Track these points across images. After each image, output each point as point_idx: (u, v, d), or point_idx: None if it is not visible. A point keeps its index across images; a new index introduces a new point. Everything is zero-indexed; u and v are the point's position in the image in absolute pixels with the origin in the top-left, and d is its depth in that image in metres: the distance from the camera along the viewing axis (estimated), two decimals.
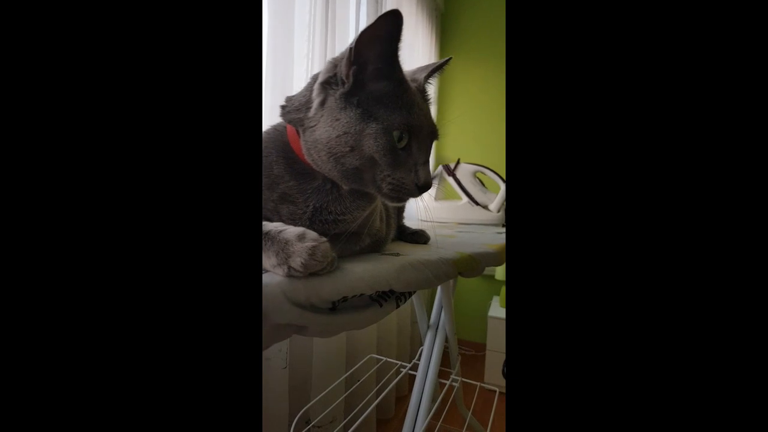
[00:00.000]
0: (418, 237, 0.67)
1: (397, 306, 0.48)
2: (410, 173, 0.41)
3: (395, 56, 0.40)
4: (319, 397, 0.91)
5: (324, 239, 0.36)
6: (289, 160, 0.45)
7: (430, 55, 1.81)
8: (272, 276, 0.35)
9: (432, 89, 0.49)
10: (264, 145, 0.47)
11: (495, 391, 1.30)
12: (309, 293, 0.35)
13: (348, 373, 1.01)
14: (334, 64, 0.41)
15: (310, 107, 0.42)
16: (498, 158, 1.82)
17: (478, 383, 1.19)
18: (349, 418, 0.93)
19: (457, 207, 1.16)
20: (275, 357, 0.86)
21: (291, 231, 0.36)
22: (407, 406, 0.86)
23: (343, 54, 0.41)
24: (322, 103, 0.41)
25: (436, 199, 1.21)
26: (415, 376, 0.92)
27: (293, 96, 0.46)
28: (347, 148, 0.40)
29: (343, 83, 0.40)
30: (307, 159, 0.43)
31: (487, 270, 0.83)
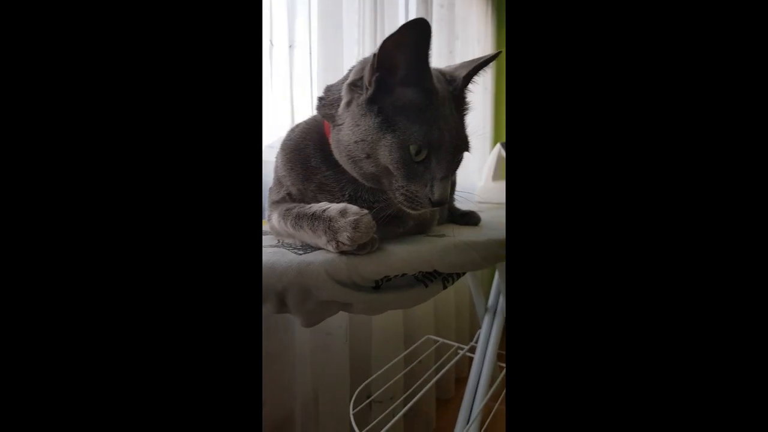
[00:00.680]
0: (469, 218, 0.66)
1: (444, 287, 0.48)
2: (425, 187, 0.40)
3: (425, 64, 0.39)
4: (378, 373, 0.95)
5: (365, 211, 0.37)
6: (325, 153, 0.47)
7: (486, 30, 1.71)
8: (315, 255, 0.37)
9: (487, 79, 0.47)
10: (302, 136, 0.49)
11: None
12: (350, 272, 0.37)
13: (406, 352, 1.04)
14: (363, 66, 0.41)
15: (340, 105, 0.43)
16: None
17: None
18: (407, 394, 0.96)
19: None
20: (337, 332, 0.91)
21: (333, 208, 0.38)
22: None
23: (367, 59, 0.40)
24: (348, 104, 0.42)
25: (494, 179, 1.16)
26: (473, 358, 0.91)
27: (331, 86, 0.47)
28: (363, 155, 0.40)
29: (367, 89, 0.40)
30: (334, 154, 0.45)
31: None
